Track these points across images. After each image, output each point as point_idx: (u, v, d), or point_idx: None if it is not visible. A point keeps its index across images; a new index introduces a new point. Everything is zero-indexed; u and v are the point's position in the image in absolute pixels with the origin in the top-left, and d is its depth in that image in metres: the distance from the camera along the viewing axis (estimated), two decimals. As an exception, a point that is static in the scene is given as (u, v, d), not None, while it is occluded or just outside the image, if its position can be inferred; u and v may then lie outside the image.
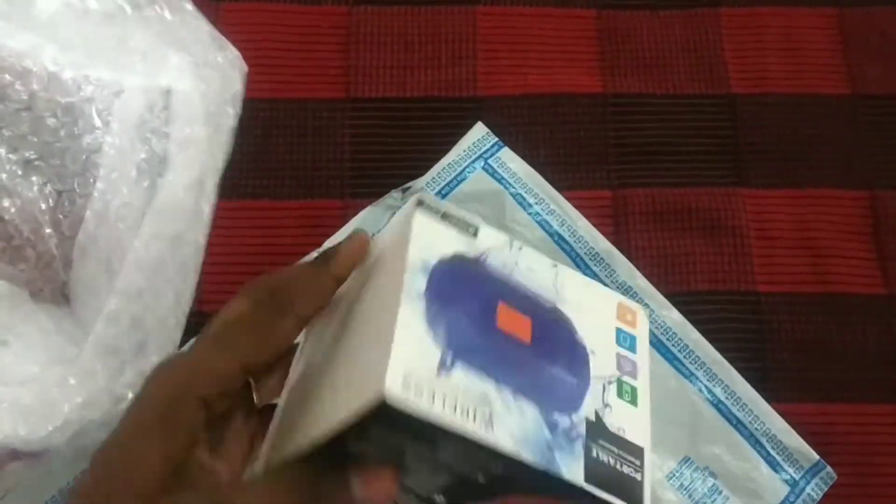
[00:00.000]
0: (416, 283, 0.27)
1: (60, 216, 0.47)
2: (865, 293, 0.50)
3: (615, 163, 0.53)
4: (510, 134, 0.53)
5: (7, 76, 0.47)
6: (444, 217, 0.30)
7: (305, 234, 0.51)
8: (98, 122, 0.47)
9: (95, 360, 0.36)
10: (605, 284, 0.48)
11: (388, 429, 0.26)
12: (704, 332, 0.49)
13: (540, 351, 0.28)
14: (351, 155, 0.53)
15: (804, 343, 0.50)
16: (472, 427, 0.25)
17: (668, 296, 0.49)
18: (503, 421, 0.26)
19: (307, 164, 0.52)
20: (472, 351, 0.27)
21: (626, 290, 0.49)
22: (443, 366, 0.26)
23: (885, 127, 0.54)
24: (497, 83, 0.55)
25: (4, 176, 0.47)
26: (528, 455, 0.26)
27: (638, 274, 0.49)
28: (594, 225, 0.50)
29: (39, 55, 0.45)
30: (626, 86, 0.55)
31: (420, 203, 0.29)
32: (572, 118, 0.54)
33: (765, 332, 0.50)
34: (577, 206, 0.51)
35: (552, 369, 0.28)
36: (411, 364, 0.25)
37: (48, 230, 0.47)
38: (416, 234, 0.29)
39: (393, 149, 0.53)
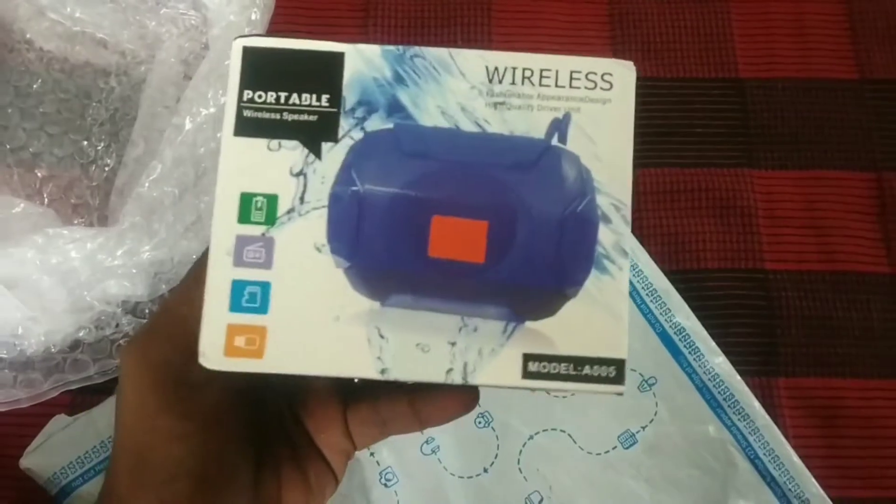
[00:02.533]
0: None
1: (97, 169, 0.49)
2: (871, 272, 0.51)
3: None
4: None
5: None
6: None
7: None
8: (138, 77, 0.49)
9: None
10: (661, 323, 0.49)
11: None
12: (714, 309, 0.50)
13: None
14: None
15: (811, 320, 0.50)
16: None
17: (677, 272, 0.50)
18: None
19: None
20: None
21: (679, 332, 0.49)
22: None
23: (891, 111, 0.55)
24: (511, 66, 0.56)
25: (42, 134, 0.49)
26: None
27: (692, 316, 0.49)
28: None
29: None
30: (637, 69, 0.56)
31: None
32: (584, 100, 0.55)
33: (773, 309, 0.51)
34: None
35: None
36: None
37: (84, 182, 0.48)
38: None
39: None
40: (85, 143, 0.50)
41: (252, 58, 0.24)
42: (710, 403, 0.48)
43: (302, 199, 0.24)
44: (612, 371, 0.25)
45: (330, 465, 0.31)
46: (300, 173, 0.24)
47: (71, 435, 0.46)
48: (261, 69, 0.24)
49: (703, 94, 0.55)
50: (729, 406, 0.48)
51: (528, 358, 0.25)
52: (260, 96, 0.24)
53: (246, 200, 0.24)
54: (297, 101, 0.24)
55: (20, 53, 0.52)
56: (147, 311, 0.41)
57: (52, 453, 0.45)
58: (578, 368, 0.25)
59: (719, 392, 0.48)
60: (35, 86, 0.51)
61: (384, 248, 0.25)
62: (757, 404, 0.48)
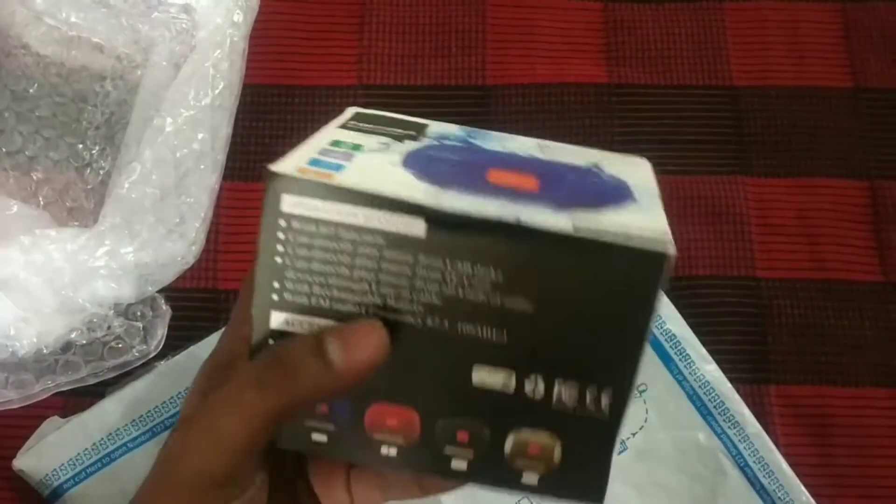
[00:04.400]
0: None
1: (92, 172, 0.50)
2: (863, 280, 0.51)
3: (620, 150, 0.54)
4: (517, 121, 0.54)
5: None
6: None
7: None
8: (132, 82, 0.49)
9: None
10: (651, 330, 0.49)
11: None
12: (705, 317, 0.50)
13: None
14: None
15: (803, 328, 0.51)
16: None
17: (669, 280, 0.50)
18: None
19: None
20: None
21: (670, 339, 0.49)
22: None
23: (885, 119, 0.55)
24: (505, 72, 0.56)
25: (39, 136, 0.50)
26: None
27: (683, 323, 0.49)
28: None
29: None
30: (631, 77, 0.56)
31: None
32: (578, 107, 0.55)
33: (764, 317, 0.51)
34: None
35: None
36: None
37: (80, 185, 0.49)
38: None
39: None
40: (80, 146, 0.50)
41: (359, 116, 0.32)
42: (700, 411, 0.48)
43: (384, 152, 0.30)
44: None
45: None
46: (384, 145, 0.29)
47: (63, 437, 0.46)
48: (365, 123, 0.31)
49: (696, 101, 0.55)
50: (719, 413, 0.48)
51: None
52: (360, 126, 0.31)
53: (336, 143, 0.29)
54: (388, 131, 0.30)
55: (17, 58, 0.52)
56: (139, 313, 0.41)
57: (44, 455, 0.46)
58: None
59: (710, 399, 0.48)
60: (32, 90, 0.52)
61: (450, 171, 0.28)
62: (747, 412, 0.48)
